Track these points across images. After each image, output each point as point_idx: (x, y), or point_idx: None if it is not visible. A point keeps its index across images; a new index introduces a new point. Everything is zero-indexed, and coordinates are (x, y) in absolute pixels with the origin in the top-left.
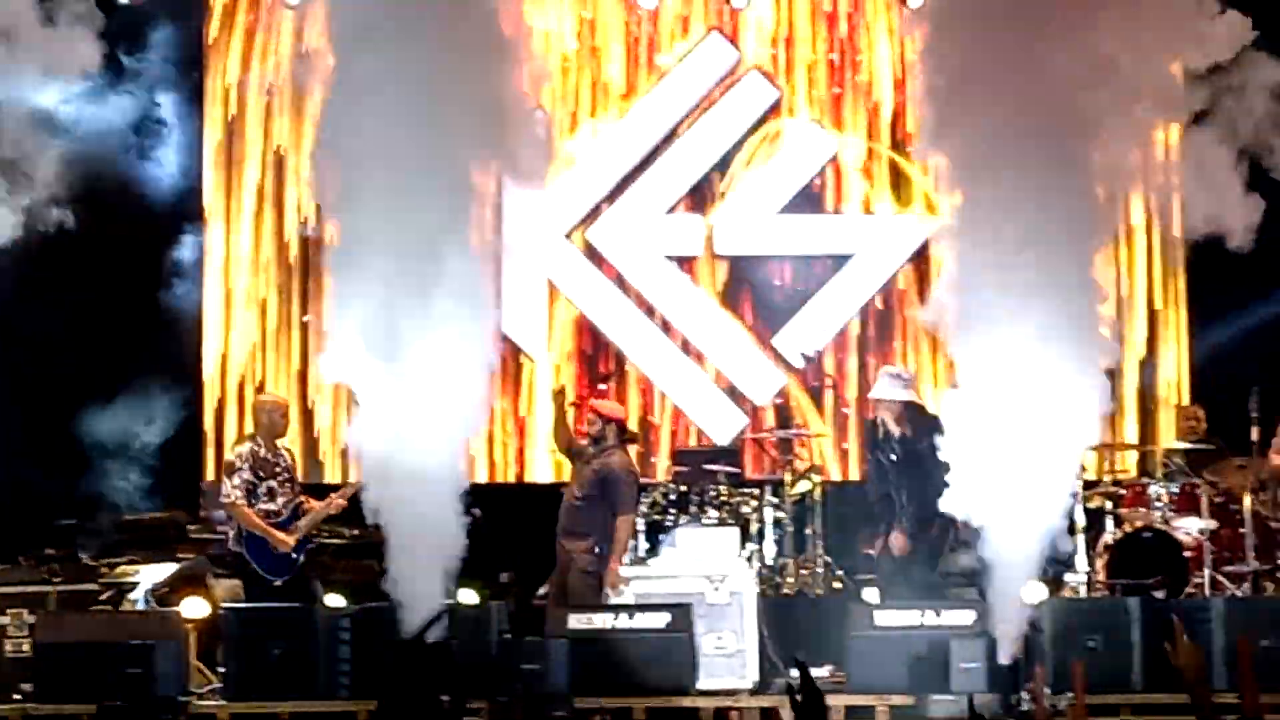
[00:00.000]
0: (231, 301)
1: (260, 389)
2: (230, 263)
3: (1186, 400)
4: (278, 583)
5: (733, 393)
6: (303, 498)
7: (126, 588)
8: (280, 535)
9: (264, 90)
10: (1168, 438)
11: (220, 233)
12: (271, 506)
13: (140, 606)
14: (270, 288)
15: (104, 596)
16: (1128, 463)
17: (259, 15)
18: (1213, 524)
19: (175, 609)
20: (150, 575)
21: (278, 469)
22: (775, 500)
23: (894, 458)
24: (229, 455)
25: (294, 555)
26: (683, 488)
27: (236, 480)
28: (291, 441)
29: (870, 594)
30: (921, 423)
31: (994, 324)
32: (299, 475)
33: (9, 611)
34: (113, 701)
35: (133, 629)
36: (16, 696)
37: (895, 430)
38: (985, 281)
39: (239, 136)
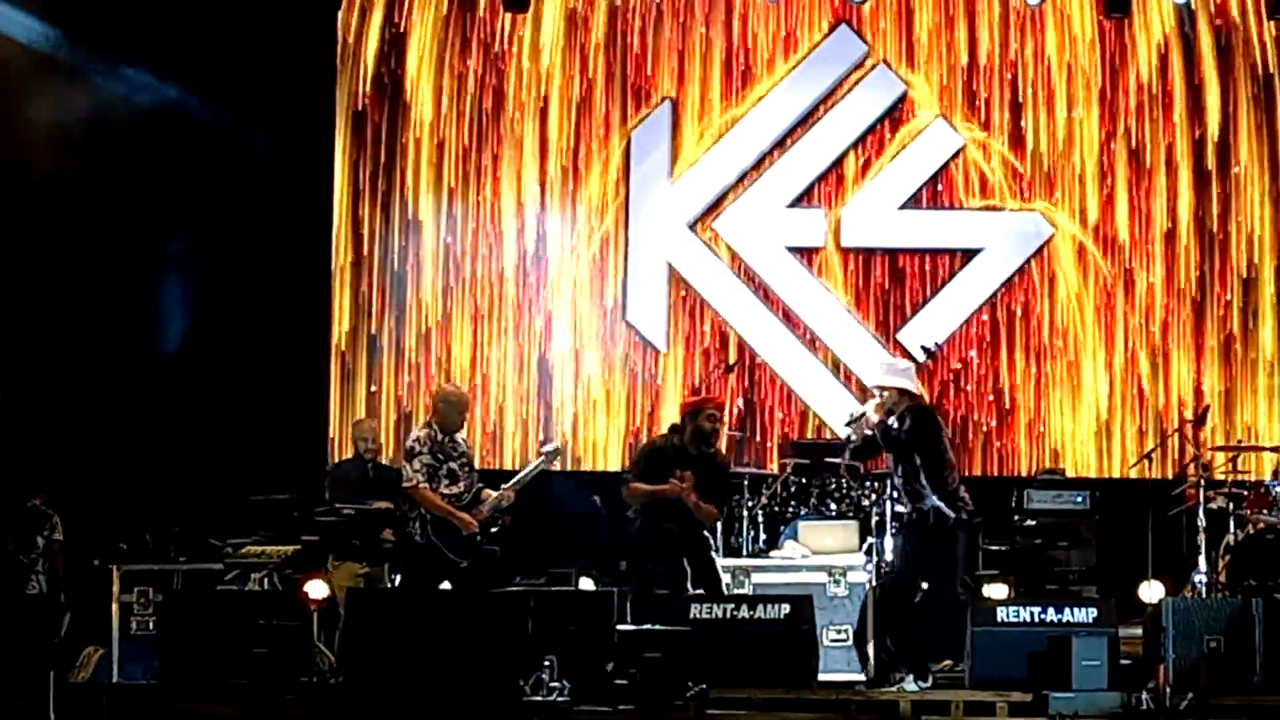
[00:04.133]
0: None
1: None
2: None
3: None
4: (464, 564)
5: (852, 384)
6: (480, 485)
7: (252, 568)
8: (465, 516)
9: None
10: None
11: None
12: (454, 490)
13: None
14: None
15: (228, 577)
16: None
17: None
18: None
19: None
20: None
21: (455, 453)
22: (896, 494)
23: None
24: (408, 441)
25: (478, 537)
26: (801, 479)
27: (417, 464)
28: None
29: (992, 590)
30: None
31: None
32: (475, 463)
33: (135, 589)
34: (238, 680)
35: (258, 609)
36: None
37: (875, 418)
38: None
39: None
